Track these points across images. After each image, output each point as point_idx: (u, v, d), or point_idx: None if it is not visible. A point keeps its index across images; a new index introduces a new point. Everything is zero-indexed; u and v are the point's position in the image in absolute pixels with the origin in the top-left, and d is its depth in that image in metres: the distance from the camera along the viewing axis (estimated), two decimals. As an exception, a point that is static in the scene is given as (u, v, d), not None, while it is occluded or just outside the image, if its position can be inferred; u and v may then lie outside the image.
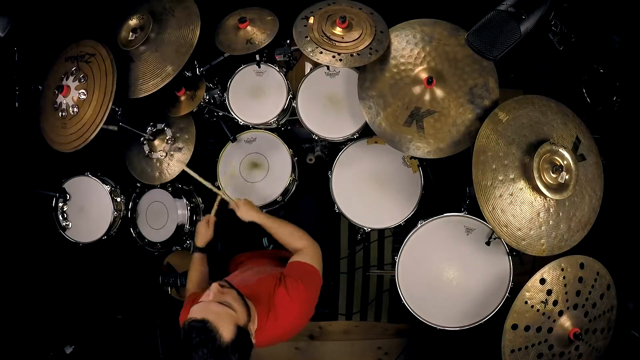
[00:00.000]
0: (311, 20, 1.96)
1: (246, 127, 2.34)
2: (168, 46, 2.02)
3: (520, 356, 1.68)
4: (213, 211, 1.98)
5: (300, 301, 1.47)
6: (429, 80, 1.86)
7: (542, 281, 1.65)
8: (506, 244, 1.87)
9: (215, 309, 1.26)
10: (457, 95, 1.88)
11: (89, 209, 2.25)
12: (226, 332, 1.23)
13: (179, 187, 2.38)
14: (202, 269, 1.88)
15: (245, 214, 1.83)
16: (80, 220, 2.25)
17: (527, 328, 1.66)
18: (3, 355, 2.15)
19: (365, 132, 2.18)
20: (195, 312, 1.26)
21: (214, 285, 1.33)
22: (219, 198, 1.99)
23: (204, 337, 1.20)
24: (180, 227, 2.30)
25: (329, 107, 2.23)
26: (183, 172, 2.19)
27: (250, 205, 1.86)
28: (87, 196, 2.25)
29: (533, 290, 1.65)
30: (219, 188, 2.06)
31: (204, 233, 1.90)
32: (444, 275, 1.94)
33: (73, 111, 1.93)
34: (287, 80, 2.26)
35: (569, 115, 1.80)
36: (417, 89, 1.91)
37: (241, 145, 2.34)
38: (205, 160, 2.45)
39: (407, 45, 1.97)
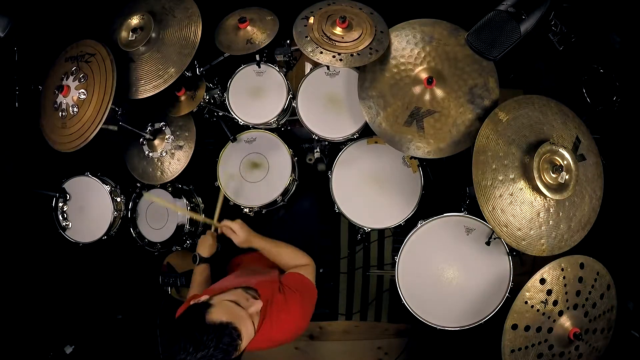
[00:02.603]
0: (311, 20, 1.96)
1: (246, 127, 2.34)
2: (170, 47, 2.01)
3: (520, 356, 1.68)
4: (215, 219, 1.97)
5: (297, 312, 1.47)
6: (429, 80, 1.86)
7: (542, 281, 1.65)
8: (506, 244, 1.87)
9: (249, 328, 1.31)
10: (457, 95, 1.88)
11: (89, 209, 2.25)
12: (240, 350, 1.28)
13: (179, 187, 2.38)
14: (206, 275, 1.90)
15: (244, 242, 1.77)
16: (80, 220, 2.25)
17: (527, 328, 1.66)
18: (3, 355, 2.15)
19: (365, 132, 2.18)
20: (235, 317, 1.27)
21: (260, 303, 1.37)
22: (219, 206, 1.99)
23: (230, 348, 1.23)
24: (180, 227, 2.29)
25: (329, 107, 2.22)
26: (184, 171, 2.19)
27: (246, 232, 1.78)
28: (87, 196, 2.25)
29: (533, 290, 1.65)
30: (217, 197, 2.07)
31: (211, 245, 1.93)
32: (444, 275, 1.94)
33: (73, 111, 1.93)
34: (287, 80, 2.26)
35: (569, 115, 1.80)
36: (417, 89, 1.91)
37: (241, 145, 2.34)
38: (205, 160, 2.45)
39: (407, 45, 1.97)
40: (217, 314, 1.25)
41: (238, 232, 1.76)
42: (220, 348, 1.21)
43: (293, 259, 1.71)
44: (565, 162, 1.66)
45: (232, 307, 1.30)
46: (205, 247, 1.92)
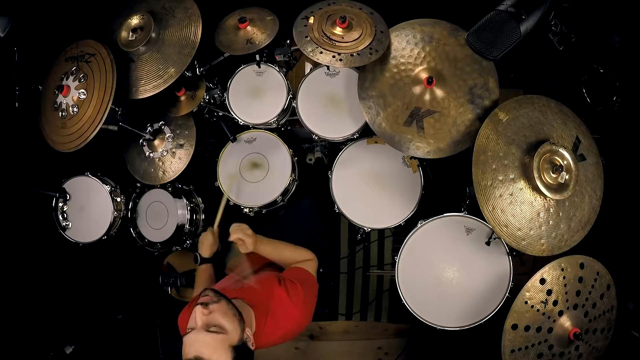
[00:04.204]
0: (311, 20, 1.96)
1: (246, 127, 2.34)
2: (170, 47, 2.01)
3: (520, 356, 1.68)
4: (216, 223, 1.90)
5: (300, 305, 1.46)
6: (429, 80, 1.86)
7: (542, 281, 1.65)
8: (506, 244, 1.87)
9: (206, 340, 1.21)
10: (457, 95, 1.88)
11: (89, 209, 2.25)
12: None
13: (179, 187, 2.38)
14: (210, 275, 1.87)
15: (250, 248, 1.68)
16: (80, 220, 2.25)
17: (527, 328, 1.66)
18: (3, 355, 2.15)
19: (365, 132, 2.18)
20: (187, 348, 1.22)
21: (198, 309, 1.26)
22: (221, 207, 1.93)
23: None
24: (180, 227, 2.30)
25: (329, 107, 2.22)
26: (184, 172, 2.19)
27: (254, 242, 1.67)
28: (87, 196, 2.25)
29: (533, 290, 1.65)
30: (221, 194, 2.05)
31: (211, 243, 1.86)
32: (444, 275, 1.94)
33: (73, 111, 1.93)
34: (287, 80, 2.26)
35: (569, 115, 1.80)
36: (417, 89, 1.91)
37: (241, 145, 2.34)
38: (205, 160, 2.45)
39: (407, 45, 1.97)
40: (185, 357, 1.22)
41: (247, 243, 1.64)
42: None
43: (295, 257, 1.70)
44: (565, 162, 1.66)
45: (189, 339, 1.24)
46: (206, 246, 1.86)
